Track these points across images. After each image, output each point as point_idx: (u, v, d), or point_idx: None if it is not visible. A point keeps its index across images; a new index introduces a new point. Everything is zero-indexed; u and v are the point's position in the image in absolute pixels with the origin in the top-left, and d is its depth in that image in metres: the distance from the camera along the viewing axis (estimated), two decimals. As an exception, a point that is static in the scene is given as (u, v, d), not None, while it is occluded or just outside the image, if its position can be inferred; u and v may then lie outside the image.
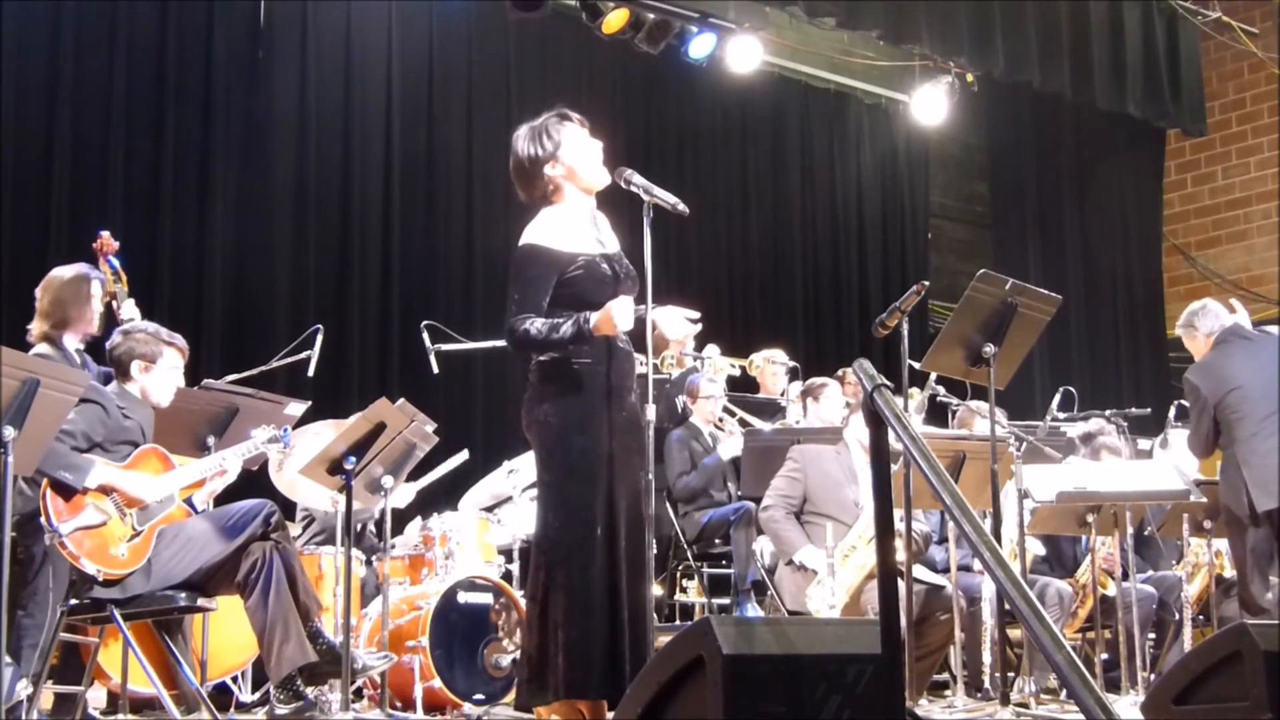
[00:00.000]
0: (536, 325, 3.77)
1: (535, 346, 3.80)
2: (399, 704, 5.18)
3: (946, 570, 5.45)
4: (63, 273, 5.03)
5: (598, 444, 3.80)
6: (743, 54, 8.69)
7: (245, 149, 7.88)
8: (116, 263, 5.48)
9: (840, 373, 7.55)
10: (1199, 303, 6.12)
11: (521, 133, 3.97)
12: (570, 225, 3.89)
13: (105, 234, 5.50)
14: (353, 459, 4.64)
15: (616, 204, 4.14)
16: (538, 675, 3.73)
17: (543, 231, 3.87)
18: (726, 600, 6.92)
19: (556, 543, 3.76)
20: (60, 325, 4.91)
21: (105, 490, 4.27)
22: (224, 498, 4.88)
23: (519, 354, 3.90)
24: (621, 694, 3.63)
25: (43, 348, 4.86)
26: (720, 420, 7.03)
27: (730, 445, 6.88)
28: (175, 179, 7.60)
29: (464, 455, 6.27)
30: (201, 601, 4.45)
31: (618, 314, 3.72)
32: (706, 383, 7.14)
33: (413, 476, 6.00)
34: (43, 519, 4.17)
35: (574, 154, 3.93)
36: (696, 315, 4.06)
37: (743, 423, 7.10)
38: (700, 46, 8.45)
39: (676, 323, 4.02)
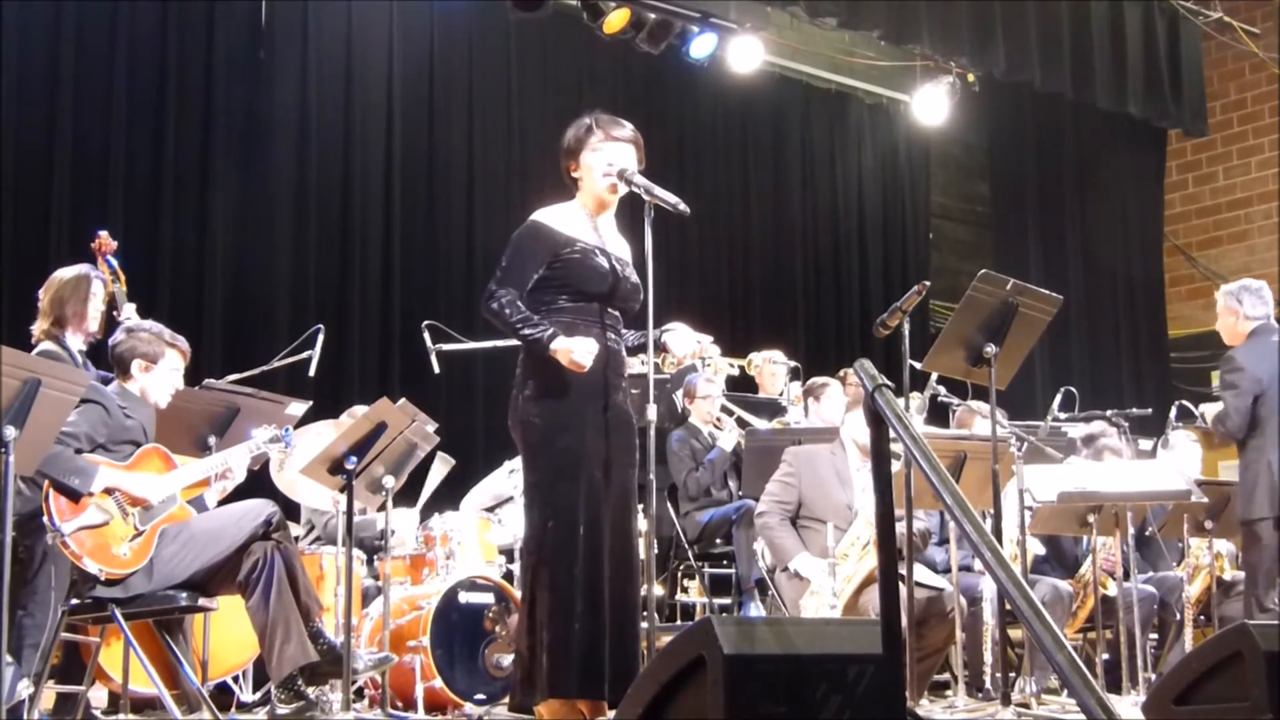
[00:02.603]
0: (514, 310, 3.88)
1: (501, 325, 3.91)
2: (400, 704, 5.18)
3: (947, 571, 5.44)
4: (64, 273, 5.06)
5: (582, 443, 3.83)
6: (744, 54, 8.69)
7: (246, 149, 7.88)
8: (115, 263, 5.49)
9: (841, 373, 7.55)
10: (1255, 281, 6.08)
11: (571, 124, 4.11)
12: (574, 218, 4.01)
13: (103, 234, 5.51)
14: (354, 459, 4.64)
15: (618, 204, 4.16)
16: (528, 676, 3.77)
17: (549, 213, 4.03)
18: (727, 600, 6.93)
19: (541, 543, 3.80)
20: (61, 323, 4.92)
21: (109, 492, 4.27)
22: (226, 498, 4.88)
23: (484, 319, 3.99)
24: (603, 693, 3.67)
25: (47, 346, 4.87)
26: (718, 420, 7.04)
27: (728, 438, 6.89)
28: (176, 179, 7.61)
29: (450, 463, 6.28)
30: (203, 601, 4.45)
31: (578, 353, 3.79)
32: (704, 383, 7.14)
33: (409, 500, 6.04)
34: (45, 518, 4.17)
35: (585, 166, 4.03)
36: (709, 339, 4.15)
37: (740, 422, 7.10)
38: (701, 46, 8.45)
39: (686, 341, 4.09)
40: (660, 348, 4.05)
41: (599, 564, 3.77)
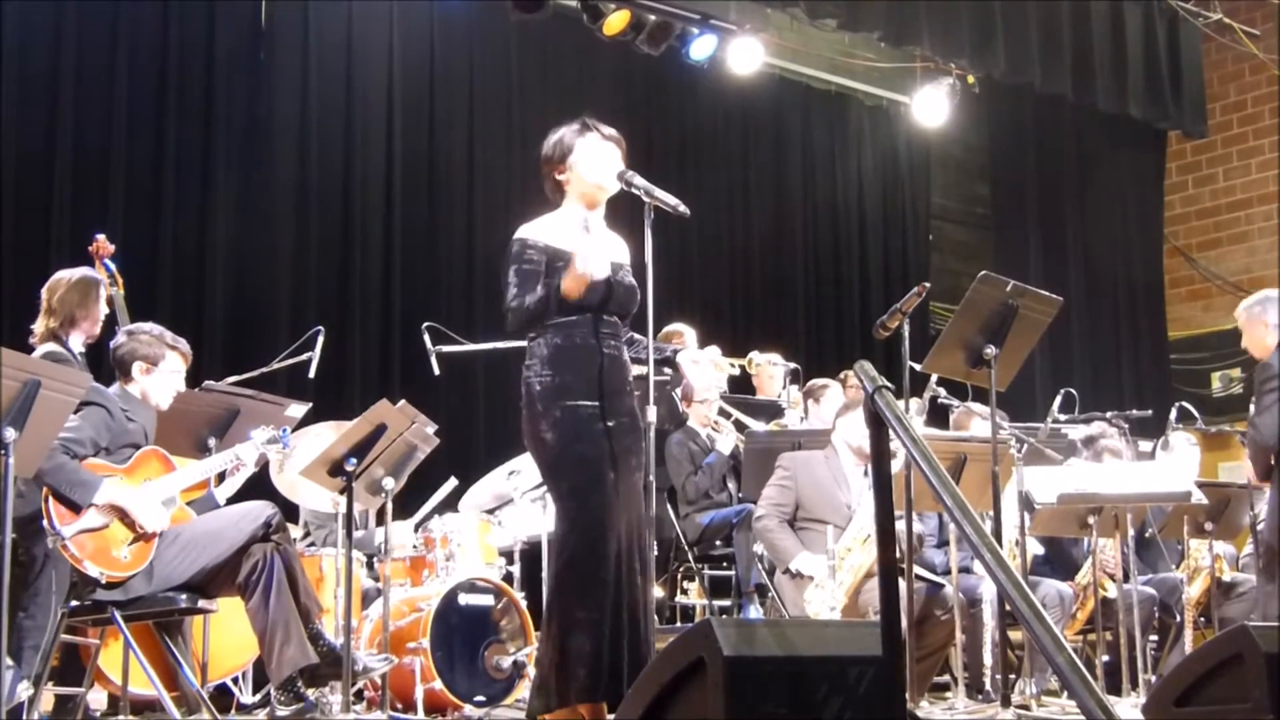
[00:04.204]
0: (526, 299, 3.89)
1: (527, 317, 3.91)
2: (400, 706, 5.18)
3: (947, 573, 5.45)
4: (69, 274, 5.04)
5: (595, 448, 3.85)
6: (744, 55, 8.69)
7: (246, 151, 7.87)
8: (113, 266, 5.49)
9: (841, 375, 7.54)
10: (1268, 291, 5.93)
11: (550, 134, 4.10)
12: (561, 228, 4.00)
13: (101, 237, 5.51)
14: (354, 460, 4.64)
15: (618, 205, 4.16)
16: (544, 682, 3.78)
17: (534, 228, 4.01)
18: (727, 602, 6.92)
19: (568, 550, 3.82)
20: (67, 325, 4.92)
21: (113, 509, 4.25)
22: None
23: (521, 332, 3.99)
24: (620, 696, 3.68)
25: (50, 347, 4.86)
26: (716, 423, 7.03)
27: (725, 441, 6.89)
28: (176, 180, 7.60)
29: (452, 482, 6.33)
30: (202, 603, 4.45)
31: (580, 265, 3.79)
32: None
33: (409, 512, 6.05)
34: (45, 522, 4.17)
35: (580, 164, 4.02)
36: (726, 364, 4.16)
37: (738, 425, 7.10)
38: (701, 48, 8.44)
39: (702, 374, 4.11)
40: (671, 364, 4.07)
41: (618, 565, 3.79)
